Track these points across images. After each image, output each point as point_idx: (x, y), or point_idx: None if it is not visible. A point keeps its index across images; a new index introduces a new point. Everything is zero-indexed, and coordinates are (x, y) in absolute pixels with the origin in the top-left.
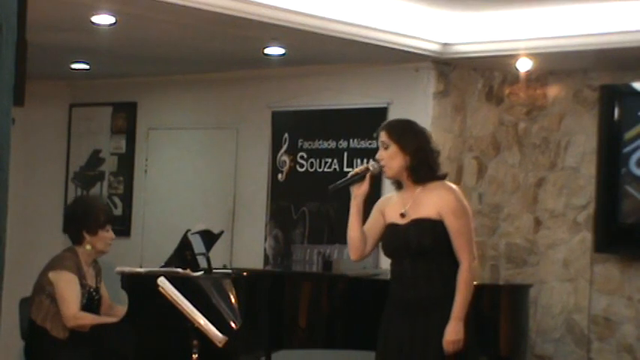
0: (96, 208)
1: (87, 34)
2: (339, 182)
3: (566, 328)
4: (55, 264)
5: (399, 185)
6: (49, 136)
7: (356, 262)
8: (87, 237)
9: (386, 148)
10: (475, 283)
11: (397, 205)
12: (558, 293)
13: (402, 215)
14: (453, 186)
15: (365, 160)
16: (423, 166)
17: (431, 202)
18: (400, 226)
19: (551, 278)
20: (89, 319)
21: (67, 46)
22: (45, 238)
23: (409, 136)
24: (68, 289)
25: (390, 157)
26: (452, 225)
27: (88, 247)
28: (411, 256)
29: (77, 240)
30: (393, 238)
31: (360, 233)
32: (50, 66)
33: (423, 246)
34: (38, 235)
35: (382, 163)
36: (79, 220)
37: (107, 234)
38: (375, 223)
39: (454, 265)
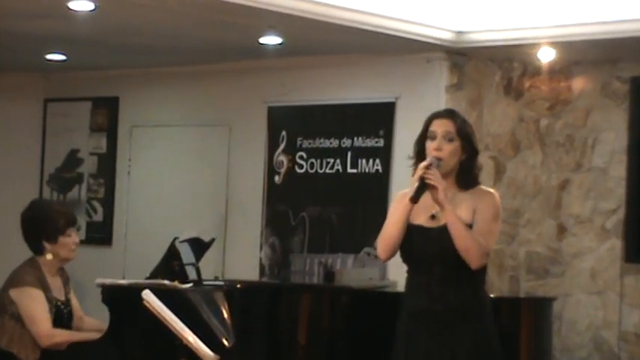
0: (53, 212)
1: (63, 22)
2: (417, 188)
3: (594, 345)
4: (15, 280)
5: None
6: (21, 134)
7: (384, 262)
8: (47, 246)
9: (450, 140)
10: (492, 295)
11: (424, 204)
12: (585, 307)
13: (433, 217)
14: (492, 189)
15: (371, 161)
16: (474, 170)
17: (468, 202)
18: (432, 230)
19: (576, 291)
20: (66, 336)
21: (41, 35)
22: (17, 248)
23: (472, 133)
24: (35, 306)
25: (452, 153)
26: (484, 224)
27: (49, 256)
28: (442, 263)
29: (37, 250)
30: (422, 243)
31: (402, 233)
32: (23, 57)
33: (459, 254)
34: (9, 245)
35: (441, 155)
36: (36, 228)
37: (69, 239)
38: None
39: (483, 272)
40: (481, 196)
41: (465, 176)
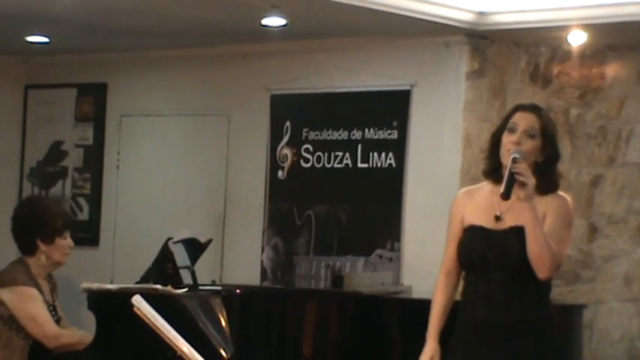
0: (52, 211)
1: (46, 0)
2: (506, 183)
3: (629, 358)
4: (4, 279)
5: (497, 177)
6: None
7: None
8: (42, 246)
9: (531, 137)
10: None
11: (487, 203)
12: (618, 316)
13: (497, 218)
14: (565, 194)
15: (384, 154)
16: (552, 175)
17: (538, 206)
18: (494, 233)
19: (609, 297)
20: (74, 338)
21: (21, 15)
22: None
23: (556, 135)
24: (34, 306)
25: (531, 151)
26: (554, 231)
27: (43, 258)
28: (505, 270)
29: (29, 250)
30: (483, 246)
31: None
32: (0, 39)
33: (523, 259)
34: None
35: (524, 149)
36: (33, 227)
37: (65, 242)
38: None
39: (549, 281)
40: (552, 201)
41: (541, 180)
